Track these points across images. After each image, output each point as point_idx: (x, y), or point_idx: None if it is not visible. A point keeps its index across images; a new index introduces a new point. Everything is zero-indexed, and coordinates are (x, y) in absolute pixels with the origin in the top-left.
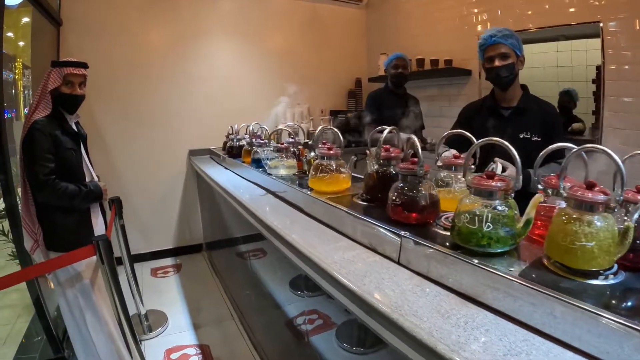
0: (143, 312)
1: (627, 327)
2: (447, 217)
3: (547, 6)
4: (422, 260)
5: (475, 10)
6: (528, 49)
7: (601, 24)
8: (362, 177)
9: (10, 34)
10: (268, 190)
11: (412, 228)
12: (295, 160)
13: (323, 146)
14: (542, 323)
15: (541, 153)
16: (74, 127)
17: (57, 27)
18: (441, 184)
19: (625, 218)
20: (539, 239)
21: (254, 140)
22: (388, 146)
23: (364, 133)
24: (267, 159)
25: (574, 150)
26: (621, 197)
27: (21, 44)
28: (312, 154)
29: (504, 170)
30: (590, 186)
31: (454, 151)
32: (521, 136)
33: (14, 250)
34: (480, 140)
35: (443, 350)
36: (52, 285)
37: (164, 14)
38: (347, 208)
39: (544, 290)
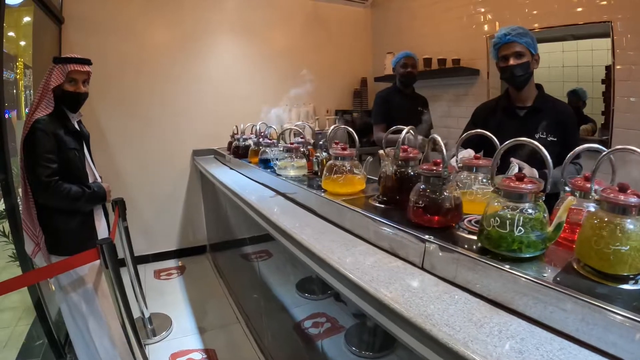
0: (147, 315)
1: None
2: (471, 220)
3: (555, 6)
4: (448, 266)
5: (482, 10)
6: None
7: (611, 24)
8: (376, 178)
9: (11, 34)
10: (277, 192)
11: (434, 231)
12: (305, 160)
13: (337, 146)
14: (576, 330)
15: (569, 154)
16: (76, 126)
17: (59, 25)
18: (460, 186)
19: None
20: (564, 241)
21: (261, 140)
22: (406, 146)
23: (371, 133)
24: (276, 159)
25: (605, 152)
26: None
27: (22, 43)
28: (325, 154)
29: (520, 171)
30: (623, 189)
31: (471, 151)
32: (537, 136)
33: (15, 251)
34: (509, 141)
35: None
36: (52, 287)
37: (167, 12)
38: (366, 210)
39: (581, 297)
